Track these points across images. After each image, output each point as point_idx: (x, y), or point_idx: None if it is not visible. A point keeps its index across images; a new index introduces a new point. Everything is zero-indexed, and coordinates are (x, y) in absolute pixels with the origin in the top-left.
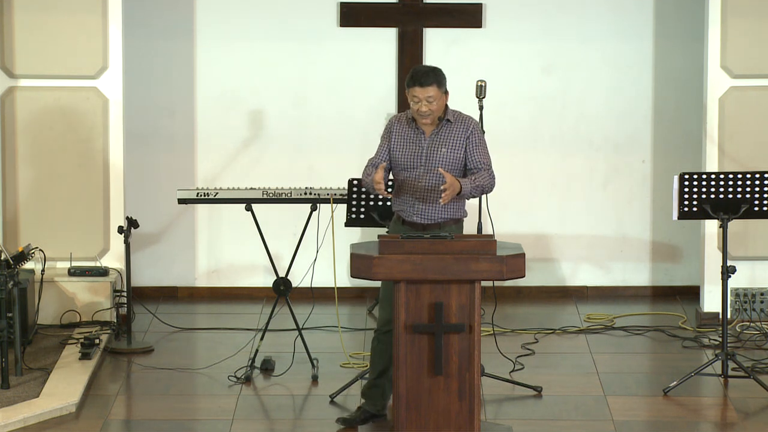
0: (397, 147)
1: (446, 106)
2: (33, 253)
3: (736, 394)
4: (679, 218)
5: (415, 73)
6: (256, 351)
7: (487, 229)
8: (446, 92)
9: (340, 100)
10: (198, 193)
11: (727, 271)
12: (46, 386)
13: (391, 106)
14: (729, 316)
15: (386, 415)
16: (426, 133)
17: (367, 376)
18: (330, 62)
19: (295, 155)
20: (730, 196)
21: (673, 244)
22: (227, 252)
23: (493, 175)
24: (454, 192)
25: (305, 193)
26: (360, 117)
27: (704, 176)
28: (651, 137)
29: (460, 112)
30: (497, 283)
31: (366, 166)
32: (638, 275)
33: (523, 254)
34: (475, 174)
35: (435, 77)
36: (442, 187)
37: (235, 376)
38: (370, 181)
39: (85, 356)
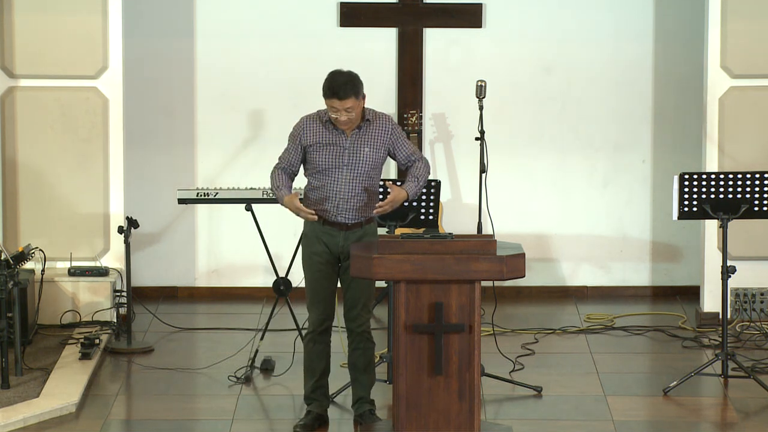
0: (316, 149)
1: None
2: (33, 253)
3: (736, 394)
4: (679, 218)
5: (333, 85)
6: (256, 351)
7: (487, 229)
8: (364, 96)
9: None
10: (198, 193)
11: (727, 271)
12: (46, 386)
13: (391, 106)
14: (729, 316)
15: (327, 416)
16: (347, 134)
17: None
18: (330, 62)
19: None
20: (730, 196)
21: (673, 244)
22: (227, 252)
23: (426, 160)
24: (396, 204)
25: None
26: None
27: (704, 176)
28: (651, 137)
29: (374, 110)
30: (497, 283)
31: (275, 168)
32: (638, 275)
33: (523, 254)
34: (412, 170)
35: (353, 89)
36: (378, 205)
37: (235, 376)
38: (283, 196)
39: (85, 356)
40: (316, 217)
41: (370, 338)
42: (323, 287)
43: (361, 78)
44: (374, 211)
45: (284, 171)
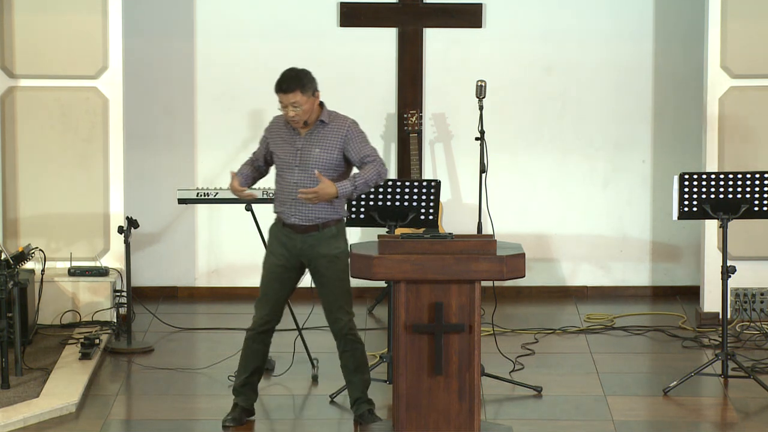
0: (275, 146)
1: (322, 106)
2: (33, 253)
3: (736, 394)
4: (679, 218)
5: (279, 79)
6: None
7: (487, 229)
8: (315, 94)
9: (339, 100)
10: (198, 193)
11: (727, 271)
12: (46, 386)
13: (391, 107)
14: (729, 316)
15: (254, 409)
16: (301, 134)
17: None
18: (330, 62)
19: None
20: (730, 196)
21: (673, 244)
22: (227, 252)
23: (381, 162)
24: (323, 198)
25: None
26: (360, 117)
27: (704, 176)
28: (651, 137)
29: (337, 113)
30: (497, 283)
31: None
32: (638, 275)
33: (523, 254)
34: (361, 171)
35: (298, 83)
36: (303, 190)
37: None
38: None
39: (85, 356)
40: (254, 195)
41: (357, 339)
42: (273, 289)
43: (361, 78)
44: (298, 196)
45: (250, 162)
